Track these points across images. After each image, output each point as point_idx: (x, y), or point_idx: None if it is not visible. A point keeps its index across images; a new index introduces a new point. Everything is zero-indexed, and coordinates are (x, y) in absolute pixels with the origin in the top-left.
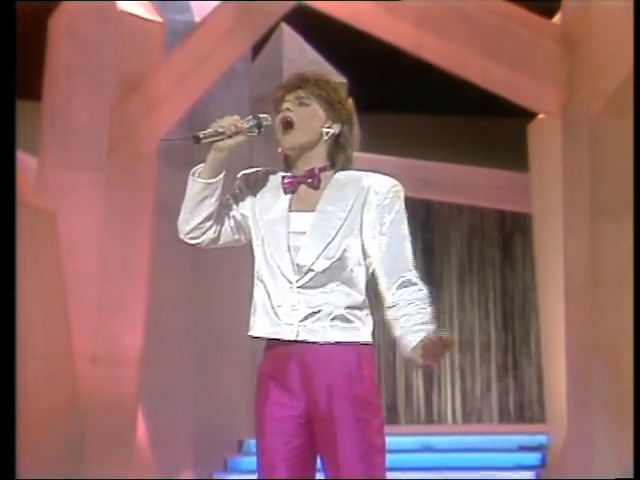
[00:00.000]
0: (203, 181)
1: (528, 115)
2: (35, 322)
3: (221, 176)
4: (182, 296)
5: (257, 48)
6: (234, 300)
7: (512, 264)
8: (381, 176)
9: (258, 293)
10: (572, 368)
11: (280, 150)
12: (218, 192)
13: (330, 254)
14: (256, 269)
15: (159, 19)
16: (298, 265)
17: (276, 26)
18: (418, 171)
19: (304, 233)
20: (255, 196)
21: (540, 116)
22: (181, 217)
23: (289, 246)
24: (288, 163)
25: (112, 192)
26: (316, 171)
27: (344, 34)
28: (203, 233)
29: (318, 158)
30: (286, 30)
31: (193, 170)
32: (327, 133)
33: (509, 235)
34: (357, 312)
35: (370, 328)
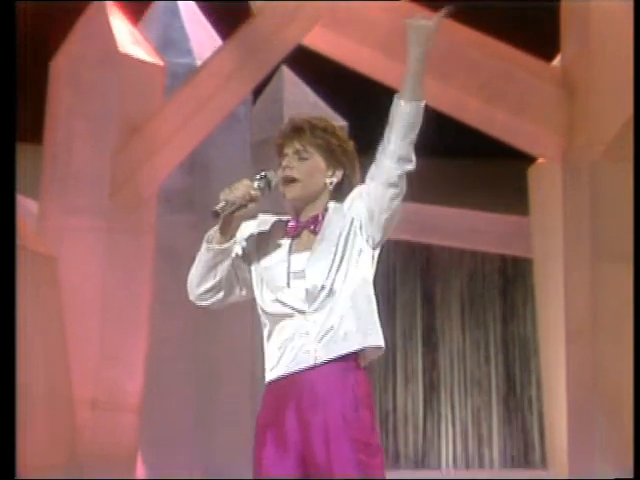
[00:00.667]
0: (217, 247)
1: (528, 158)
2: (35, 367)
3: (233, 240)
4: (183, 341)
5: (257, 91)
6: (236, 345)
7: (513, 309)
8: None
9: (267, 334)
10: (573, 411)
11: (275, 188)
12: (230, 257)
13: (331, 278)
14: (262, 316)
15: (160, 62)
16: (307, 290)
17: (276, 69)
18: (417, 215)
19: (303, 271)
20: (258, 244)
21: (540, 160)
22: (192, 280)
23: (289, 282)
24: (292, 208)
25: (113, 237)
26: (320, 218)
27: (345, 76)
28: (214, 295)
29: (321, 205)
30: (286, 73)
31: (207, 236)
32: (331, 182)
33: (510, 280)
34: (367, 322)
35: (381, 333)
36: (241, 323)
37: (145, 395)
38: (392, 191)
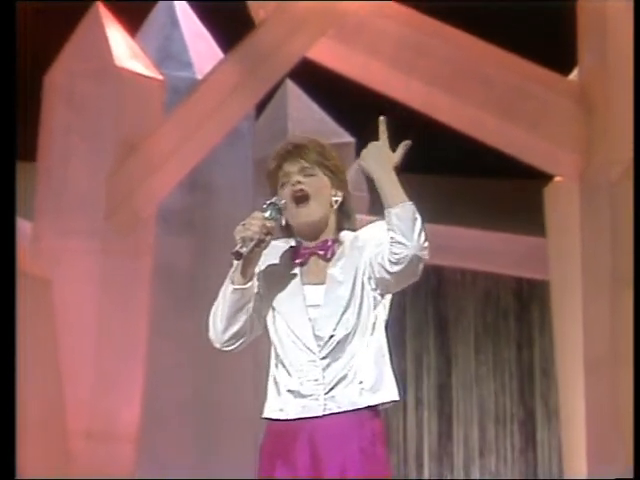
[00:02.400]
0: (240, 287)
1: (545, 177)
2: (27, 397)
3: (255, 278)
4: (182, 368)
5: (261, 106)
6: (237, 372)
7: (529, 334)
8: (370, 226)
9: (276, 374)
10: (593, 445)
11: (284, 222)
12: (253, 296)
13: (348, 323)
14: (272, 343)
15: (159, 76)
16: (317, 336)
17: (280, 83)
18: (429, 235)
19: (319, 306)
20: (265, 272)
21: (557, 179)
22: (217, 326)
23: (309, 319)
24: (294, 232)
25: (109, 259)
26: (329, 243)
27: (352, 90)
28: (240, 339)
29: (329, 229)
30: (291, 87)
31: (230, 277)
32: (336, 202)
33: (526, 303)
34: (381, 373)
35: (394, 386)
36: (243, 348)
37: (142, 425)
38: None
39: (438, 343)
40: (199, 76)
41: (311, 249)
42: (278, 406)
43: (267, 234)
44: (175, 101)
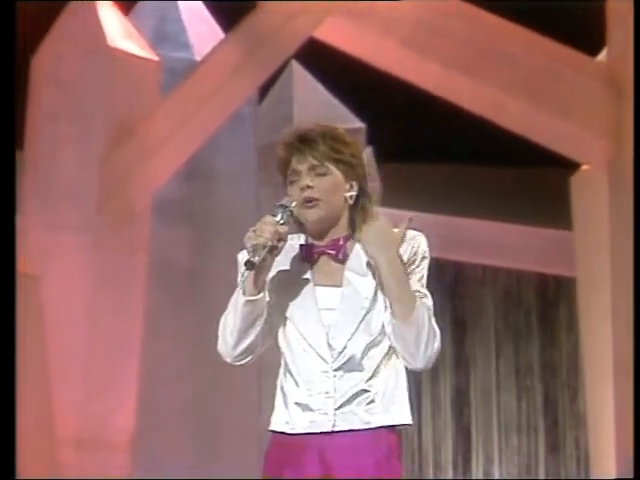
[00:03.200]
0: (252, 298)
1: (571, 165)
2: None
3: (266, 287)
4: (179, 371)
5: (264, 89)
6: (240, 375)
7: (554, 335)
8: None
9: (284, 385)
10: (623, 447)
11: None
12: (266, 306)
13: (364, 333)
14: (281, 348)
15: (154, 57)
16: (330, 345)
17: (285, 65)
18: (446, 228)
19: (333, 310)
20: (273, 273)
21: (584, 167)
22: (227, 340)
23: (323, 324)
24: (304, 229)
25: (101, 254)
26: (341, 242)
27: (362, 72)
28: (252, 352)
29: (340, 226)
30: (296, 69)
31: (241, 288)
32: (351, 197)
33: (550, 302)
34: (396, 393)
35: (408, 409)
36: None
37: (136, 432)
38: None
39: (455, 345)
40: (198, 57)
41: (321, 248)
42: (284, 419)
43: (279, 240)
44: (172, 84)
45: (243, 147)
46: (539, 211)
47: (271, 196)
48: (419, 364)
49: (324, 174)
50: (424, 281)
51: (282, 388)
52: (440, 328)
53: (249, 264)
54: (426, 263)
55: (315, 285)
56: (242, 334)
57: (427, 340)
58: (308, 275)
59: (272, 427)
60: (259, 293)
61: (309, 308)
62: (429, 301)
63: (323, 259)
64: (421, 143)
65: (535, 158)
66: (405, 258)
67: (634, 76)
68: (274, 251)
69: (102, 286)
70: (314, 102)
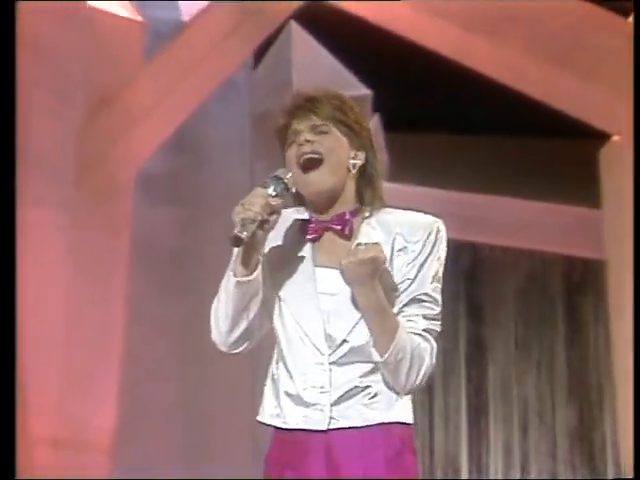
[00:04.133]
0: (244, 279)
1: (601, 136)
2: None
3: (260, 266)
4: (166, 363)
5: (260, 52)
6: (233, 368)
7: (581, 324)
8: (414, 216)
9: (276, 373)
10: None
11: (294, 190)
12: (261, 287)
13: (357, 332)
14: (276, 336)
15: (138, 18)
16: (330, 335)
17: (284, 26)
18: (460, 206)
19: (334, 295)
20: (270, 251)
21: (615, 138)
22: (220, 327)
23: (321, 310)
24: (305, 201)
25: (79, 234)
26: (347, 216)
27: (369, 34)
28: (248, 338)
29: (346, 198)
30: (296, 30)
31: (231, 269)
32: (354, 165)
33: (577, 288)
34: (393, 393)
35: (410, 408)
36: None
37: (118, 431)
38: None
39: (471, 336)
40: (185, 18)
41: (325, 223)
42: (274, 410)
43: (272, 214)
44: (157, 48)
45: (236, 116)
46: (565, 186)
47: (267, 170)
48: (401, 392)
49: (326, 132)
50: (437, 283)
51: (273, 376)
52: (454, 316)
53: (235, 239)
54: (439, 263)
55: (316, 266)
56: (236, 319)
57: (408, 373)
58: (308, 254)
59: (261, 418)
60: (251, 273)
61: (307, 292)
62: (433, 310)
63: (327, 236)
64: (433, 112)
65: (560, 128)
66: (416, 249)
67: (634, 76)
68: (265, 226)
69: (80, 270)
70: (315, 67)
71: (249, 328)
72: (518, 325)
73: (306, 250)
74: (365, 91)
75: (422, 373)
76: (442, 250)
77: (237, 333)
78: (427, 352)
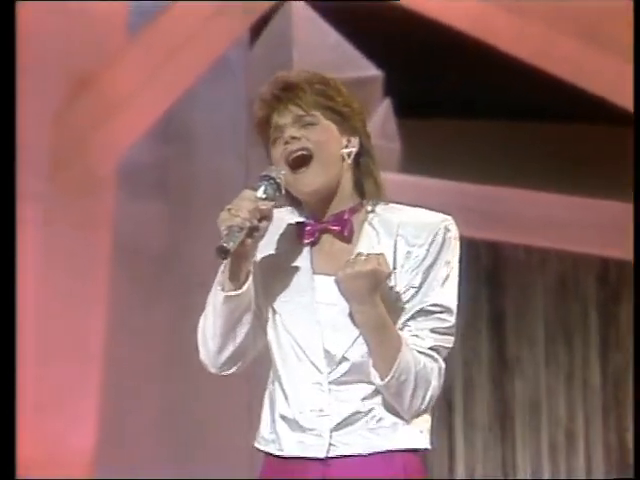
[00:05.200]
0: (233, 294)
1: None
2: None
3: (250, 280)
4: (151, 374)
5: (257, 30)
6: (224, 382)
7: (617, 333)
8: (419, 215)
9: (271, 395)
10: None
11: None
12: (253, 300)
13: (357, 348)
14: (271, 352)
15: None
16: (328, 351)
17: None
18: (481, 200)
19: (334, 305)
20: (263, 258)
21: None
22: (208, 347)
23: (319, 323)
24: (298, 201)
25: (54, 231)
26: (346, 215)
27: (377, 11)
28: (240, 358)
29: (344, 194)
30: (297, 5)
31: (218, 282)
32: (349, 154)
33: (613, 292)
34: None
35: (428, 426)
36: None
37: (98, 451)
38: None
39: (494, 347)
40: None
41: (322, 224)
42: (270, 436)
43: (262, 219)
44: (141, 25)
45: (230, 101)
46: (600, 178)
47: (264, 159)
48: (405, 416)
49: (312, 124)
50: (449, 290)
51: (270, 396)
52: (476, 323)
53: (221, 251)
54: (449, 268)
55: (314, 273)
56: (226, 337)
57: (412, 397)
58: (305, 260)
59: (257, 444)
60: (241, 286)
61: (304, 303)
62: (443, 322)
63: (325, 239)
64: (450, 95)
65: (592, 113)
66: (420, 254)
67: (634, 76)
68: (255, 233)
69: (55, 271)
70: (319, 45)
71: (241, 346)
72: (546, 336)
73: (302, 256)
74: (375, 72)
75: (428, 397)
76: (452, 253)
77: (227, 353)
78: (434, 374)
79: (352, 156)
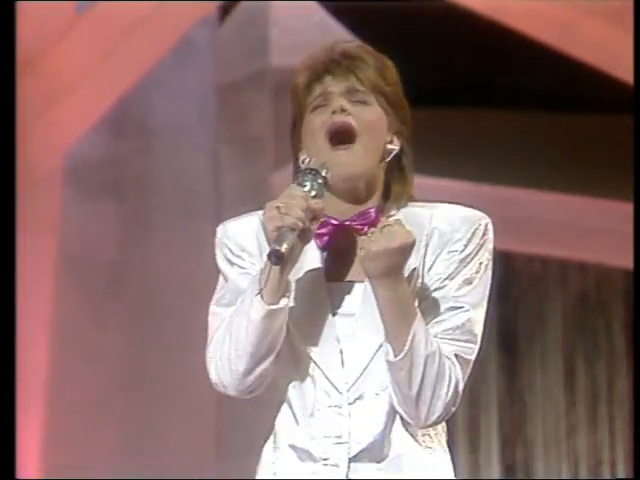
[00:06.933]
0: (275, 307)
1: None
2: None
3: (293, 290)
4: (103, 405)
5: (226, 7)
6: (187, 409)
7: None
8: (455, 208)
9: (278, 416)
10: None
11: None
12: (287, 316)
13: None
14: (283, 365)
15: None
16: (347, 369)
17: None
18: (492, 204)
19: (351, 316)
20: (261, 258)
21: None
22: (236, 367)
23: (337, 339)
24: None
25: None
26: (373, 214)
27: None
28: (268, 375)
29: (372, 193)
30: None
31: (254, 289)
32: (390, 152)
33: None
34: (433, 431)
35: (449, 461)
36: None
37: None
38: None
39: (506, 369)
40: None
41: (344, 223)
42: (271, 468)
43: (314, 218)
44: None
45: (196, 87)
46: (625, 179)
47: (235, 155)
48: (415, 419)
49: (366, 103)
50: (480, 299)
51: (276, 423)
52: (484, 342)
53: (275, 257)
54: (483, 271)
55: (330, 281)
56: (259, 356)
57: (422, 380)
58: (318, 264)
59: (258, 475)
60: (282, 297)
61: (320, 315)
62: (468, 332)
63: (340, 241)
64: (460, 81)
65: (621, 104)
66: (457, 248)
67: (634, 76)
68: (306, 236)
69: None
70: (301, 23)
71: (269, 367)
72: (565, 359)
73: (316, 259)
74: None
75: (442, 394)
76: (488, 255)
77: (257, 373)
78: (451, 371)
79: (392, 155)
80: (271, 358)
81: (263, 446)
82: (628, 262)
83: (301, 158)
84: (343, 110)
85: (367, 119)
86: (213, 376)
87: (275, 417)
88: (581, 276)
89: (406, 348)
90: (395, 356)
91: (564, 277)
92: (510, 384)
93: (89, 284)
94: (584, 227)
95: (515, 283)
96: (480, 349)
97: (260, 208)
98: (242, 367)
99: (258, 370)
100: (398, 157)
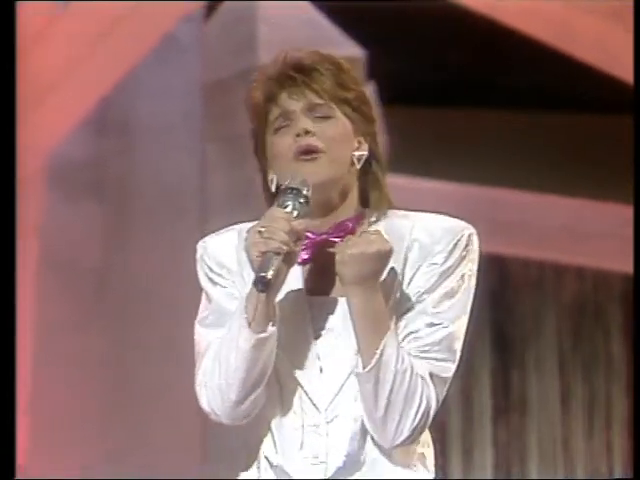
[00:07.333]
0: (264, 335)
1: None
2: None
3: (278, 314)
4: (86, 412)
5: (213, 4)
6: (173, 421)
7: None
8: (437, 219)
9: (259, 435)
10: None
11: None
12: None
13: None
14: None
15: None
16: (326, 386)
17: None
18: (486, 207)
19: (332, 331)
20: (242, 275)
21: None
22: (228, 396)
23: (318, 355)
24: None
25: None
26: (350, 226)
27: None
28: (260, 401)
29: (348, 202)
30: None
31: (243, 318)
32: (359, 159)
33: None
34: (416, 446)
35: (433, 464)
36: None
37: None
38: None
39: (499, 379)
40: None
41: (321, 237)
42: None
43: (297, 240)
44: None
45: (181, 86)
46: (625, 180)
47: (221, 154)
48: (382, 439)
49: (328, 117)
50: (459, 313)
51: (255, 441)
52: (478, 349)
53: (262, 284)
54: (464, 283)
55: (310, 294)
56: (250, 385)
57: (390, 395)
58: (299, 279)
59: None
60: (272, 324)
61: (300, 330)
62: (445, 349)
63: (319, 254)
64: (454, 79)
65: (620, 104)
66: (438, 260)
67: (634, 76)
68: (291, 259)
69: None
70: (290, 20)
71: (261, 393)
72: (561, 367)
73: (297, 278)
74: (356, 51)
75: (411, 414)
76: (470, 266)
77: (249, 400)
78: (423, 392)
79: (362, 161)
80: (263, 384)
81: (245, 459)
82: (628, 267)
83: (270, 177)
84: (307, 132)
85: (331, 134)
86: (205, 405)
87: (254, 434)
88: (578, 281)
89: (373, 361)
90: (363, 368)
91: (560, 282)
92: (504, 388)
93: (72, 285)
94: (581, 230)
95: (509, 287)
96: (474, 356)
97: (242, 221)
98: (234, 396)
99: (251, 397)
100: (369, 162)
